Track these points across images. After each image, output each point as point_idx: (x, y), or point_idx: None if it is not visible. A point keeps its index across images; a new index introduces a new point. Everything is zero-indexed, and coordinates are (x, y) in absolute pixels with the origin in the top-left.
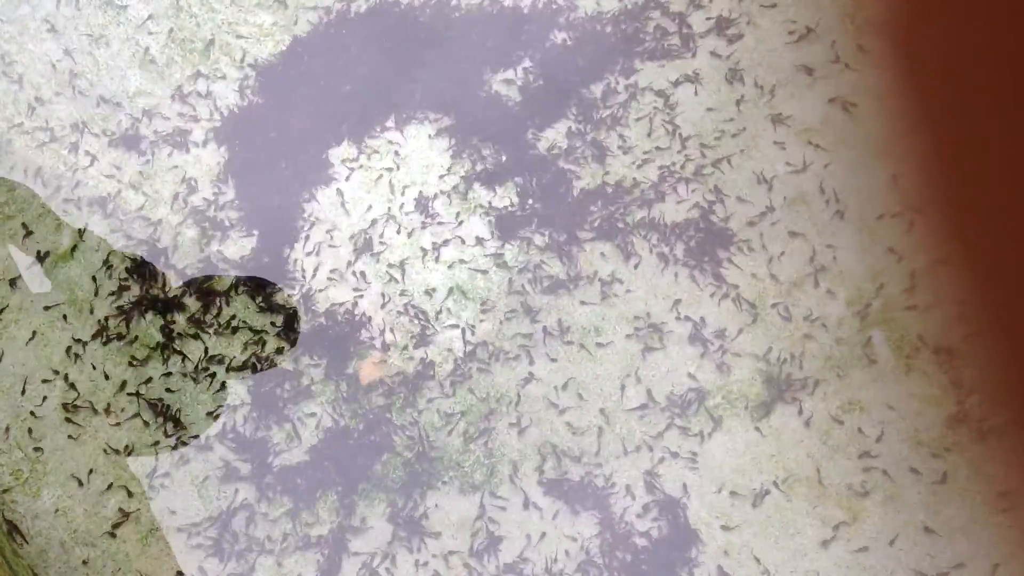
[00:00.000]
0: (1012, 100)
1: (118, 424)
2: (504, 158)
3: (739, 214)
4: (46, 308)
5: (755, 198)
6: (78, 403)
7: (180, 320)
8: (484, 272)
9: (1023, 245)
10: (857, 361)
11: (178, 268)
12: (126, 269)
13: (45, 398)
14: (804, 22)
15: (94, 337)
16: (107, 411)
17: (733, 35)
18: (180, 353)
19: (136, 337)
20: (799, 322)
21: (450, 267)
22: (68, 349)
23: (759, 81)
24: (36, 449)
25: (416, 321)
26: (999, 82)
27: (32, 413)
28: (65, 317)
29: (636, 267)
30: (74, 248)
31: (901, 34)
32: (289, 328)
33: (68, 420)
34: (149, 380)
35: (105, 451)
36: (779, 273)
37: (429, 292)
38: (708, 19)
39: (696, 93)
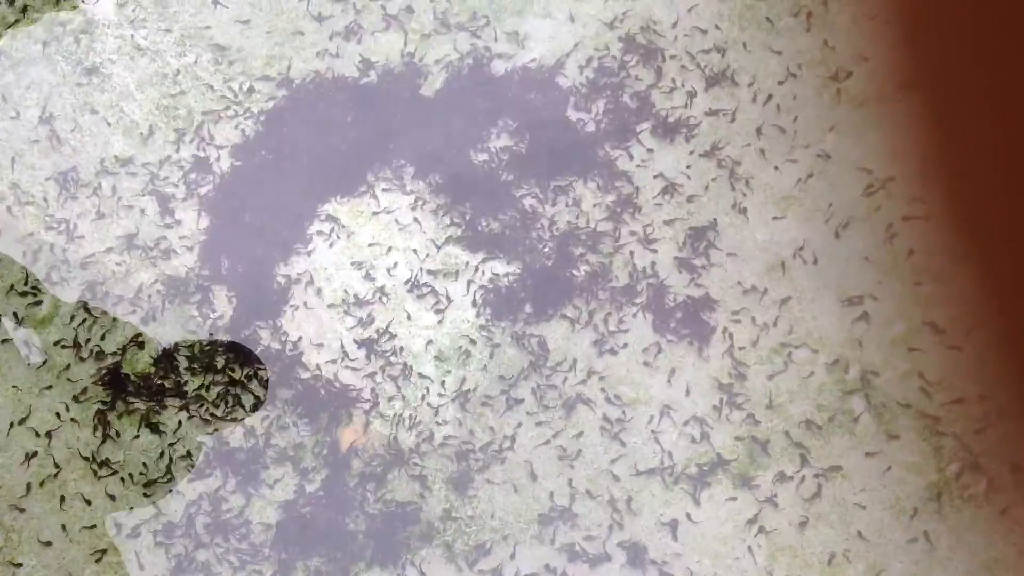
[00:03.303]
0: (986, 145)
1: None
2: (490, 225)
3: (720, 282)
4: (29, 367)
5: (735, 266)
6: (55, 469)
7: (158, 386)
8: (468, 338)
9: (1005, 315)
10: (838, 428)
11: (158, 333)
12: (104, 335)
13: (22, 464)
14: (782, 92)
15: (73, 402)
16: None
17: (713, 105)
18: (154, 426)
19: (113, 404)
20: (779, 388)
21: (434, 333)
22: (45, 415)
23: (739, 150)
24: (12, 517)
25: (398, 387)
26: (973, 146)
27: (8, 479)
28: (44, 384)
29: (619, 335)
30: (54, 313)
31: (880, 103)
32: (269, 394)
33: (41, 485)
34: (126, 446)
35: (83, 518)
36: (760, 340)
37: (412, 358)
38: (689, 92)
39: (678, 161)
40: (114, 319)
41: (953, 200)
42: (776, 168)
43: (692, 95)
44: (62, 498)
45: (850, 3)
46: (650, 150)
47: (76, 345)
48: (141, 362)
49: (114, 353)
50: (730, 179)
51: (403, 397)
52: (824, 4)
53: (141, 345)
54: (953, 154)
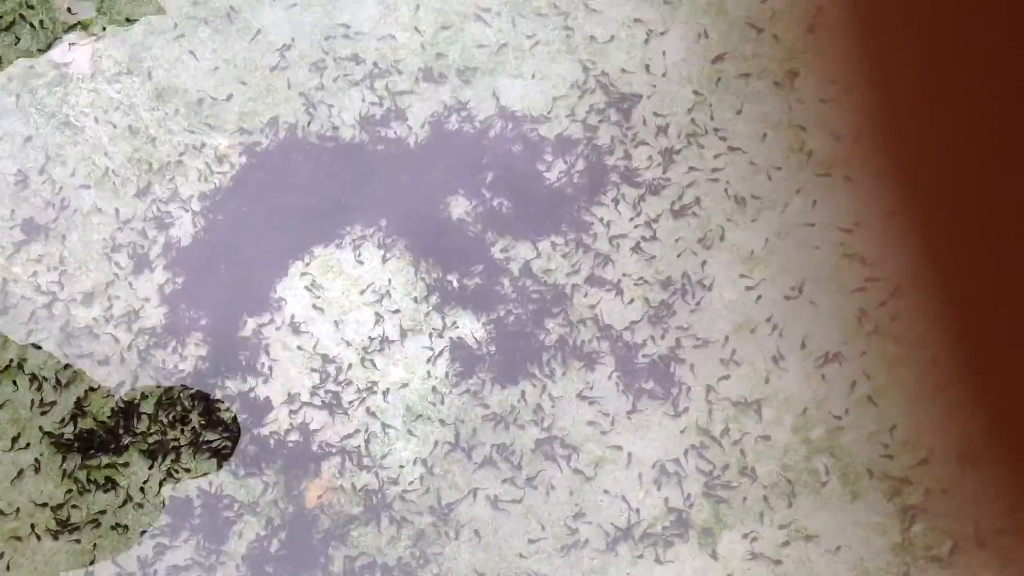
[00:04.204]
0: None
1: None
2: (461, 282)
3: (687, 341)
4: None
5: (703, 325)
6: (14, 523)
7: (120, 437)
8: (436, 395)
9: (972, 375)
10: (803, 488)
11: (123, 384)
12: (69, 384)
13: None
14: (750, 154)
15: (34, 453)
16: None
17: (683, 166)
18: (115, 478)
19: (77, 455)
20: (746, 447)
21: (402, 389)
22: (4, 467)
23: (707, 210)
24: None
25: (365, 443)
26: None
27: None
28: (4, 435)
29: (587, 393)
30: (18, 364)
31: (847, 166)
32: (234, 450)
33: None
34: (87, 499)
35: (42, 572)
36: (726, 398)
37: (380, 414)
38: (659, 152)
39: (651, 226)
40: (78, 369)
41: (918, 262)
42: (744, 228)
43: (663, 155)
44: (21, 556)
45: (817, 69)
46: (620, 209)
47: (39, 395)
48: (104, 413)
49: (77, 403)
50: (698, 239)
51: (370, 453)
52: (791, 69)
53: (105, 396)
54: (920, 217)
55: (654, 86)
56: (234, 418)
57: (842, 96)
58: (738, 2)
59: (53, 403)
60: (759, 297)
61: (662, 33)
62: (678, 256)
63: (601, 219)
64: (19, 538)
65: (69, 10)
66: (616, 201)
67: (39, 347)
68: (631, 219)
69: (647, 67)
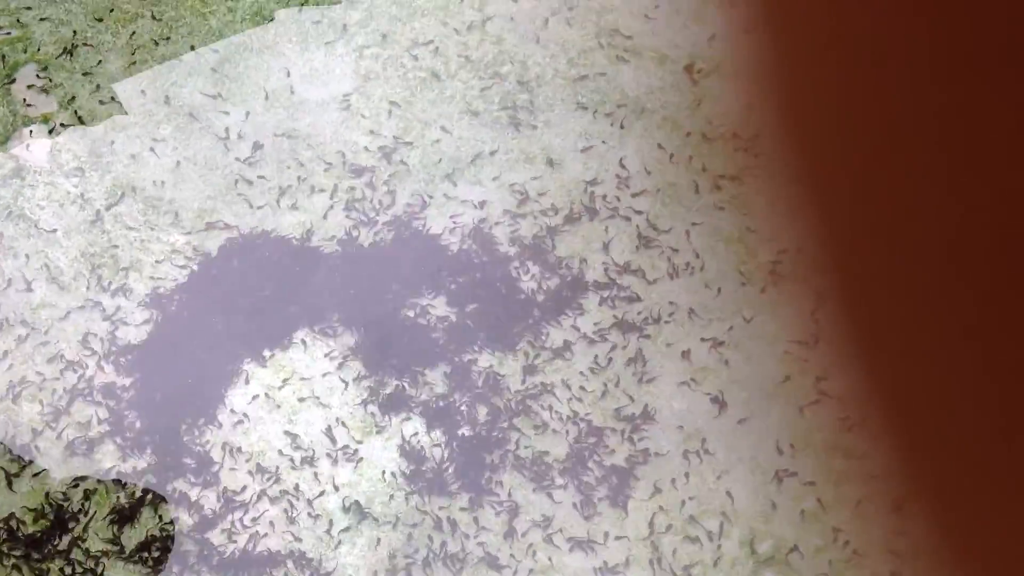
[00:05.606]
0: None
1: None
2: (414, 388)
3: (639, 452)
4: None
5: (653, 436)
6: None
7: (57, 544)
8: (384, 501)
9: (922, 492)
10: None
11: (63, 488)
12: (9, 485)
13: None
14: (700, 267)
15: None
16: None
17: (635, 278)
18: None
19: (9, 562)
20: (693, 561)
21: (350, 495)
22: None
23: (658, 321)
24: None
25: (316, 545)
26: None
27: None
28: None
29: (536, 503)
30: None
31: (794, 281)
32: (178, 553)
33: None
34: None
35: None
36: (675, 511)
37: (326, 516)
38: (613, 265)
39: (605, 337)
40: (18, 468)
41: (865, 376)
42: (695, 341)
43: (618, 268)
44: None
45: (763, 184)
46: (576, 319)
47: None
48: (41, 514)
49: (15, 503)
50: (649, 351)
51: (317, 557)
52: (742, 184)
53: (45, 497)
54: (866, 333)
55: (609, 198)
56: (177, 521)
57: (791, 212)
58: (693, 118)
59: None
60: (708, 410)
61: (616, 146)
62: (631, 366)
63: (558, 328)
64: None
65: (44, 112)
66: (573, 311)
67: None
68: (587, 329)
69: (602, 179)
